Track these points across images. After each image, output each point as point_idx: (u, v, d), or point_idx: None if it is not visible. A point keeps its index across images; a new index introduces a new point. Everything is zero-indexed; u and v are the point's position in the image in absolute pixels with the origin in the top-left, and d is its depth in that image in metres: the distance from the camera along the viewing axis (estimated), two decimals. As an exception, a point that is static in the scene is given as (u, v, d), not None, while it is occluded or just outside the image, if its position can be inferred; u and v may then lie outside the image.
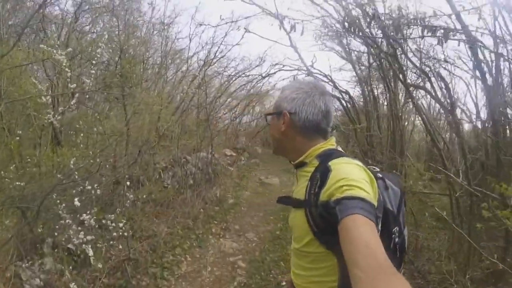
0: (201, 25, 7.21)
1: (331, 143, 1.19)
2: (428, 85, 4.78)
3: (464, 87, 9.68)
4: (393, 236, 1.11)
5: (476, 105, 5.65)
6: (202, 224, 5.31)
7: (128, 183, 4.35)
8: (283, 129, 1.18)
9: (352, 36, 5.47)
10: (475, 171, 4.21)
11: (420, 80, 7.93)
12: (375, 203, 0.90)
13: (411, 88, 7.20)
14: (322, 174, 1.01)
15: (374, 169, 1.24)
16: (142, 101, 5.61)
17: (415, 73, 7.68)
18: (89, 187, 2.94)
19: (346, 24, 4.34)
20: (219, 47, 10.12)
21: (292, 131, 1.18)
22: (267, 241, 4.92)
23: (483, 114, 5.80)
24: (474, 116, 5.98)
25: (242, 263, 4.23)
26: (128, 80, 5.40)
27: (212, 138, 7.96)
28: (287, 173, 10.35)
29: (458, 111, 5.95)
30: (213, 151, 8.18)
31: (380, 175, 1.18)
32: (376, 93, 7.69)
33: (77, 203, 2.63)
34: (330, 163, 1.02)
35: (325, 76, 7.09)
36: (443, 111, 7.05)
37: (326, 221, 0.94)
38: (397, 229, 1.13)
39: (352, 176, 0.94)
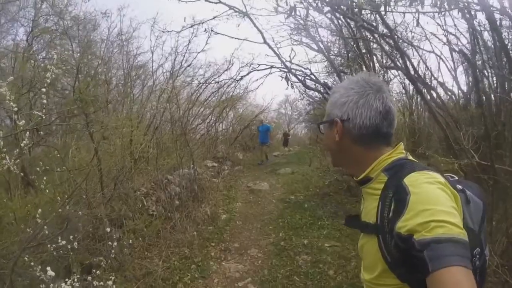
0: (164, 32, 6.64)
1: (399, 150, 1.01)
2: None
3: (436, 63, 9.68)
4: (474, 259, 0.90)
5: (455, 77, 5.53)
6: (199, 249, 4.83)
7: (108, 229, 3.85)
8: (337, 139, 1.03)
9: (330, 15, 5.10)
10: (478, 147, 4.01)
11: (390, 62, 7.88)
12: (467, 238, 0.75)
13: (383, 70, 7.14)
14: (397, 196, 0.85)
15: (452, 177, 1.05)
16: (109, 125, 5.05)
17: (387, 54, 7.61)
18: (64, 242, 2.41)
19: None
20: (183, 56, 9.67)
21: (348, 141, 1.02)
22: (273, 255, 4.51)
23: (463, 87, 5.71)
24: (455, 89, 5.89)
25: (253, 286, 3.81)
26: (88, 105, 4.82)
27: (191, 152, 7.46)
28: (274, 175, 10.01)
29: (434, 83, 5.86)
30: (195, 166, 7.69)
31: (460, 186, 0.96)
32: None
33: (50, 272, 2.11)
34: (405, 181, 0.85)
35: (304, 70, 6.78)
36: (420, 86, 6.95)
37: (402, 252, 0.81)
38: (478, 250, 0.93)
39: (439, 205, 0.78)
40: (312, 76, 6.67)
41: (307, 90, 10.33)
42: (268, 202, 7.17)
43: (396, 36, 4.54)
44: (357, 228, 1.03)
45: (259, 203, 7.19)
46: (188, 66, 10.13)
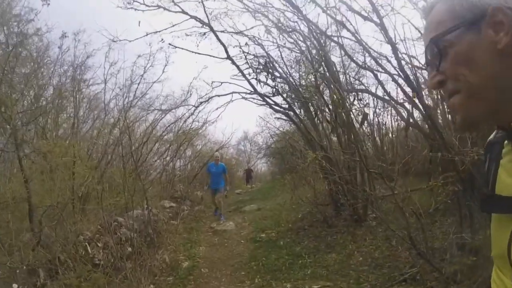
0: (114, 41, 5.83)
1: None
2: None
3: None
4: None
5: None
6: (156, 307, 3.84)
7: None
8: (503, 44, 0.49)
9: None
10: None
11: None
12: None
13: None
14: None
15: None
16: (41, 149, 4.10)
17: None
18: None
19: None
20: (138, 86, 8.92)
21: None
22: (250, 307, 3.66)
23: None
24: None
25: None
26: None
27: (145, 190, 6.51)
28: (239, 213, 9.19)
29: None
30: (149, 206, 6.72)
31: None
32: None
33: None
34: None
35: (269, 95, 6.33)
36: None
37: None
38: None
39: None
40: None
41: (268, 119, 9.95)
42: (236, 243, 6.31)
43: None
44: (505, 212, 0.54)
45: (226, 245, 6.29)
46: (143, 96, 9.34)
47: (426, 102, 4.21)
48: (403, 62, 4.76)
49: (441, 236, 3.53)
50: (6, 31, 5.28)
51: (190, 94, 9.25)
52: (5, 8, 5.62)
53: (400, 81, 4.81)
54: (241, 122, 29.32)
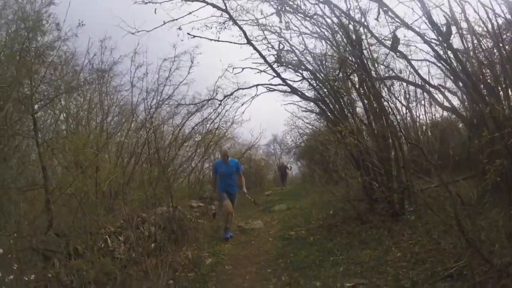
0: (132, 33, 5.72)
1: None
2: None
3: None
4: None
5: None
6: (174, 303, 3.58)
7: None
8: None
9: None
10: None
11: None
12: None
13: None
14: None
15: None
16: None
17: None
18: None
19: None
20: (163, 88, 8.90)
21: None
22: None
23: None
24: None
25: None
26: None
27: (169, 186, 6.34)
28: (268, 213, 8.86)
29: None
30: (174, 203, 6.55)
31: None
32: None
33: None
34: None
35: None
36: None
37: None
38: None
39: None
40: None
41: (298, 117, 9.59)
42: (263, 241, 5.96)
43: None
44: None
45: (252, 243, 5.97)
46: (169, 97, 9.31)
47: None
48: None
49: (486, 227, 3.03)
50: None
51: (216, 93, 9.08)
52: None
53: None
54: (269, 122, 28.82)
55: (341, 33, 5.75)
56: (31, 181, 4.38)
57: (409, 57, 5.66)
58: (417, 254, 3.51)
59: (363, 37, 5.73)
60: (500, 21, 4.13)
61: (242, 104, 7.55)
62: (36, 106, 4.53)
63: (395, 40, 3.52)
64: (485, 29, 4.39)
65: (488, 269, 2.47)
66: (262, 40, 5.99)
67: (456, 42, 4.78)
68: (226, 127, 11.14)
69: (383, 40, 5.22)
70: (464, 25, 4.56)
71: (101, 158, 5.83)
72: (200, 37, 5.51)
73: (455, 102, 5.52)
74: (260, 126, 20.68)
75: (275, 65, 5.88)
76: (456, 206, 2.73)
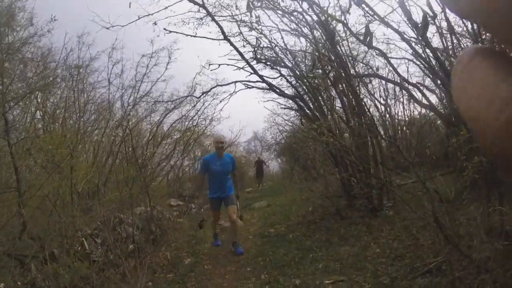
0: (107, 28, 5.54)
1: None
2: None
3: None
4: None
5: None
6: (153, 305, 3.51)
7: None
8: None
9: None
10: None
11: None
12: None
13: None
14: None
15: None
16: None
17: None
18: None
19: None
20: (141, 84, 8.71)
21: None
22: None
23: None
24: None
25: None
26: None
27: (147, 185, 6.20)
28: (248, 210, 8.83)
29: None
30: (152, 203, 6.42)
31: None
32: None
33: None
34: None
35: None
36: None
37: None
38: None
39: None
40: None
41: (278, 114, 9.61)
42: (243, 239, 5.93)
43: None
44: None
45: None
46: (147, 94, 9.12)
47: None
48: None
49: (465, 222, 3.10)
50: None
51: (195, 90, 8.95)
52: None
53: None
54: (251, 120, 28.82)
55: (320, 31, 5.77)
56: (4, 183, 4.17)
57: (389, 55, 5.76)
58: (396, 249, 3.57)
59: (343, 35, 5.78)
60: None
61: (220, 101, 7.46)
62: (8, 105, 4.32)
63: (368, 33, 3.46)
64: (465, 29, 4.50)
65: (467, 264, 2.51)
66: (238, 36, 5.93)
67: (435, 41, 4.88)
68: (205, 125, 10.99)
69: (359, 36, 5.27)
70: (444, 24, 4.67)
71: (77, 157, 5.62)
72: (176, 32, 5.40)
73: (433, 99, 5.67)
74: (239, 123, 20.65)
75: (253, 62, 5.84)
76: (433, 203, 2.77)
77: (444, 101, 5.44)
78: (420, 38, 3.45)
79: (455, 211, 3.28)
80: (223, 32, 5.19)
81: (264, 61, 5.87)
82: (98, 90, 8.77)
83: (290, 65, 6.28)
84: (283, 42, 6.49)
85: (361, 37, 4.94)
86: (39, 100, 7.06)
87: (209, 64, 6.37)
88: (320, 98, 6.51)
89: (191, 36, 5.60)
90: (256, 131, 21.10)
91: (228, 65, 6.13)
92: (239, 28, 5.78)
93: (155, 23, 5.19)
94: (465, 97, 0.24)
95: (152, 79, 9.01)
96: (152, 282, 4.14)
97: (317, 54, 5.03)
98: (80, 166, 5.97)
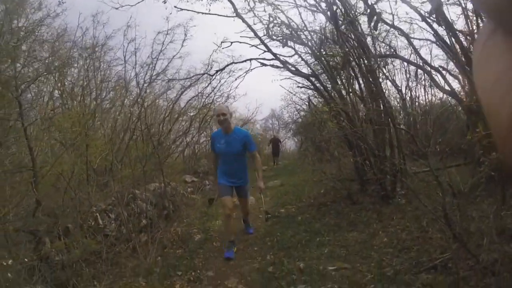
0: (116, 8, 5.50)
1: None
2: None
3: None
4: None
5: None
6: (160, 280, 3.62)
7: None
8: None
9: None
10: None
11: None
12: None
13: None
14: None
15: None
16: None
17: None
18: None
19: None
20: (156, 61, 8.67)
21: None
22: (259, 286, 3.33)
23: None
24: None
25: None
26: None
27: (161, 162, 6.29)
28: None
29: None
30: (167, 179, 6.53)
31: None
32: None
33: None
34: None
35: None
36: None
37: None
38: None
39: None
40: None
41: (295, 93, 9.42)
42: (253, 218, 5.99)
43: None
44: None
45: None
46: (163, 71, 9.10)
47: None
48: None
49: (477, 218, 2.97)
50: None
51: (211, 67, 8.85)
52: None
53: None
54: (267, 98, 28.59)
55: (340, 7, 5.51)
56: (18, 163, 4.32)
57: (411, 35, 5.48)
58: (404, 241, 3.50)
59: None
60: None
61: (236, 79, 7.37)
62: (23, 86, 4.41)
63: (373, 13, 3.19)
64: None
65: (474, 264, 2.41)
66: (251, 12, 5.72)
67: (460, 23, 4.56)
68: (221, 102, 10.95)
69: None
70: (469, 5, 4.35)
71: (92, 135, 5.73)
72: (188, 10, 5.27)
73: (456, 85, 5.38)
74: (256, 101, 20.50)
75: (267, 40, 5.68)
76: (445, 197, 2.66)
77: (466, 88, 5.15)
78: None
79: (468, 205, 3.16)
80: (235, 9, 5.05)
81: (276, 38, 5.69)
82: (114, 68, 8.81)
83: (306, 42, 6.06)
84: (301, 18, 6.25)
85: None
86: (56, 80, 7.19)
87: (222, 42, 6.25)
88: (338, 78, 6.32)
89: (202, 13, 5.48)
90: (274, 109, 20.96)
91: (240, 42, 6.00)
92: (251, 4, 5.58)
93: (164, 1, 5.07)
94: (479, 79, 0.24)
95: (168, 56, 8.95)
96: (161, 257, 4.25)
97: (333, 32, 4.80)
98: (96, 143, 6.10)
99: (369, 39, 6.14)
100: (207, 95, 10.21)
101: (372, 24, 3.21)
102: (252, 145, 4.16)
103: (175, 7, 5.31)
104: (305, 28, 6.11)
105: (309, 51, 6.43)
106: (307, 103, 9.44)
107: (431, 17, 3.71)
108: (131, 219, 4.99)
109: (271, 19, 5.19)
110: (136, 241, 4.48)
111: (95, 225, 4.72)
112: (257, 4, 5.23)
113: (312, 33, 6.37)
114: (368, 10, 3.21)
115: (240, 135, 4.12)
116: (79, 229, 4.23)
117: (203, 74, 8.16)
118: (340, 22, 5.64)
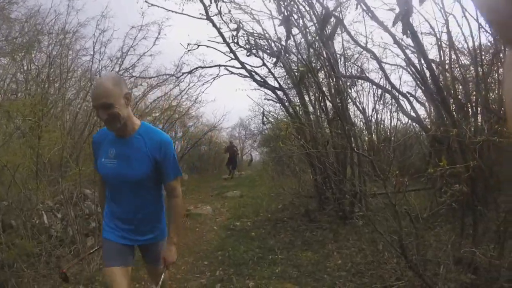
0: None
1: None
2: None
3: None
4: None
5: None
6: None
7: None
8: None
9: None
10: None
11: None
12: None
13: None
14: None
15: None
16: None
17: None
18: None
19: None
20: (126, 56, 8.33)
21: None
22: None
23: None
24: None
25: None
26: None
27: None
28: (220, 198, 8.72)
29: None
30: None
31: None
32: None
33: None
34: None
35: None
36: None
37: None
38: None
39: None
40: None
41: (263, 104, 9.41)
42: (208, 229, 5.82)
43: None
44: None
45: (197, 231, 5.80)
46: (131, 67, 8.74)
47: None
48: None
49: (435, 245, 3.01)
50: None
51: (181, 69, 8.61)
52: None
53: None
54: (237, 105, 28.45)
55: (314, 24, 5.55)
56: None
57: (384, 60, 5.63)
58: (358, 264, 3.47)
59: (338, 31, 5.57)
60: (483, 39, 4.13)
61: (203, 84, 7.22)
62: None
63: (326, 20, 3.09)
64: (465, 46, 4.38)
65: (429, 295, 2.39)
66: (221, 17, 5.58)
67: (433, 52, 4.74)
68: (188, 105, 10.72)
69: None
70: (444, 37, 4.52)
71: (47, 127, 5.32)
72: (158, 6, 5.08)
73: (422, 112, 5.57)
74: (224, 108, 20.35)
75: (235, 47, 5.57)
76: (401, 226, 2.64)
77: (432, 115, 5.33)
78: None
79: (425, 230, 3.19)
80: (206, 11, 4.92)
81: (243, 46, 5.60)
82: (83, 57, 8.35)
83: (276, 54, 6.03)
84: (274, 30, 6.25)
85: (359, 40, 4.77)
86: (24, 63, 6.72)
87: (188, 44, 6.09)
88: (305, 94, 6.34)
89: (173, 12, 5.31)
90: (242, 118, 20.90)
91: (207, 47, 5.88)
92: (218, 9, 5.43)
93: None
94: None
95: (139, 53, 8.61)
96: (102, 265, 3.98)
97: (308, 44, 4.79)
98: (50, 135, 5.69)
99: (342, 59, 6.26)
100: (174, 97, 9.94)
101: (326, 31, 3.15)
102: (171, 166, 1.94)
103: (145, 1, 5.10)
104: (278, 40, 6.08)
105: (282, 65, 6.43)
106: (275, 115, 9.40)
107: (412, 46, 3.78)
108: (77, 221, 4.68)
109: (241, 25, 5.11)
110: (81, 245, 4.21)
111: (39, 224, 4.38)
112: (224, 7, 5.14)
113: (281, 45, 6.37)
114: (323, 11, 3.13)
115: (151, 141, 1.89)
116: (22, 227, 3.89)
117: (171, 75, 7.91)
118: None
